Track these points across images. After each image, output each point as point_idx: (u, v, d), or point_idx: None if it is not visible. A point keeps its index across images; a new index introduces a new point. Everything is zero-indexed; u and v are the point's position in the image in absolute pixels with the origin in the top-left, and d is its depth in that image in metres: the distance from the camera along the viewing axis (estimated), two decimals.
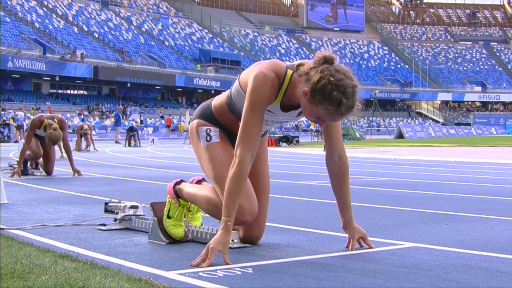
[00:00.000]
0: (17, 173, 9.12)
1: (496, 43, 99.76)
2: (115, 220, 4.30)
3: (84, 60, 51.46)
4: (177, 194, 3.75)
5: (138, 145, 26.96)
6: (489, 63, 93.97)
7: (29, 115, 39.46)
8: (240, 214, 3.31)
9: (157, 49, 64.36)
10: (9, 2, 55.76)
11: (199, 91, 64.61)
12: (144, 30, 68.52)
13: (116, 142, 31.10)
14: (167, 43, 67.73)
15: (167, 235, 3.70)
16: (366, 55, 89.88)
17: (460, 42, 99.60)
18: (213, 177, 3.50)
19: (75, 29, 58.74)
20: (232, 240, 3.54)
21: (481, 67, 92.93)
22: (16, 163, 9.92)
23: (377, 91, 48.26)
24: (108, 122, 46.90)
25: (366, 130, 47.85)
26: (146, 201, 4.61)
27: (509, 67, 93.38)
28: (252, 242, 3.64)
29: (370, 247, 3.50)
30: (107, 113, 50.51)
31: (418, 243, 3.69)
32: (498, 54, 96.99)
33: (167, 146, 27.75)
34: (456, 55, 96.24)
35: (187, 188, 3.72)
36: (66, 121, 10.67)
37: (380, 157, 16.80)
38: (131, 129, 27.85)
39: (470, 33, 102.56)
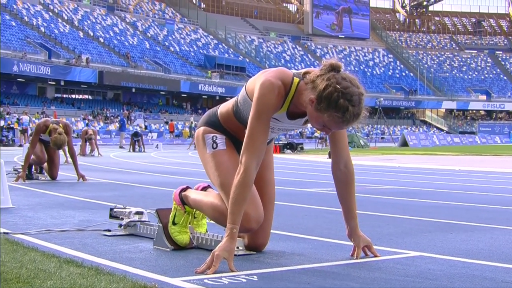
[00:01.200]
0: (22, 177, 9.14)
1: (501, 52, 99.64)
2: (120, 226, 4.30)
3: (89, 65, 51.56)
4: (183, 201, 3.75)
5: (143, 150, 26.99)
6: (494, 72, 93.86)
7: (34, 119, 39.54)
8: (246, 221, 3.31)
9: (162, 55, 64.48)
10: (15, 6, 55.98)
11: (203, 97, 64.66)
12: (149, 35, 68.67)
13: (121, 147, 31.12)
14: (172, 49, 67.84)
15: (172, 241, 3.71)
16: (371, 63, 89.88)
17: (465, 51, 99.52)
18: (219, 184, 3.50)
19: (81, 34, 58.91)
20: (237, 247, 3.54)
21: (486, 75, 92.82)
22: (20, 167, 9.94)
23: (381, 98, 48.21)
24: (113, 127, 46.98)
25: (370, 138, 47.78)
26: (151, 207, 4.61)
27: None
28: (257, 249, 3.64)
29: (375, 256, 3.50)
30: (112, 118, 50.57)
31: (423, 252, 3.68)
32: (503, 62, 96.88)
33: (171, 151, 27.76)
34: (461, 63, 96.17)
35: (193, 195, 3.72)
36: (71, 125, 10.68)
37: (385, 165, 16.79)
38: (135, 135, 27.87)
39: (475, 41, 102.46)
